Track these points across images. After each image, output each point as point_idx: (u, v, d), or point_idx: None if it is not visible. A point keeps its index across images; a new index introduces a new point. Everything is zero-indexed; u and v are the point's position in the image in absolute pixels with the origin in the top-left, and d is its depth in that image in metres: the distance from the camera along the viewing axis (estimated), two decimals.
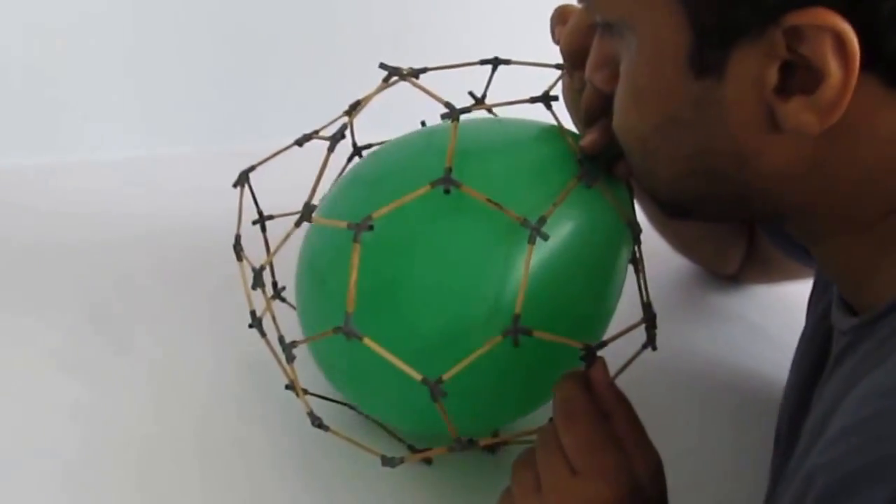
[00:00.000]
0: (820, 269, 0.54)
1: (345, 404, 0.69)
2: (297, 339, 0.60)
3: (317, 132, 0.65)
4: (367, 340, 0.56)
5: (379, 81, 0.65)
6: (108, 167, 0.98)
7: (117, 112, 1.03)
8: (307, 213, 0.59)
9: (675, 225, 0.82)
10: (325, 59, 1.07)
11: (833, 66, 0.40)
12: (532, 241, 0.55)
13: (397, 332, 0.57)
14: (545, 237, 0.55)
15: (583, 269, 0.58)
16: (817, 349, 0.59)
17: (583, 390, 0.55)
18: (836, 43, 0.40)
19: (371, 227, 0.56)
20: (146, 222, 0.91)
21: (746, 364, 0.81)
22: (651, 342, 0.63)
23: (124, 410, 0.71)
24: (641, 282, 0.62)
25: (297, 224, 0.59)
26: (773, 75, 0.42)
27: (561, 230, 0.57)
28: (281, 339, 0.61)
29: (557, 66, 0.62)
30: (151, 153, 1.01)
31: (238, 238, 0.67)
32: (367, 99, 0.62)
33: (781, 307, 0.85)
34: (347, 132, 0.63)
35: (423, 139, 0.61)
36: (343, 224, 0.56)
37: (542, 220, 0.55)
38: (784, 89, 0.43)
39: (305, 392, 0.66)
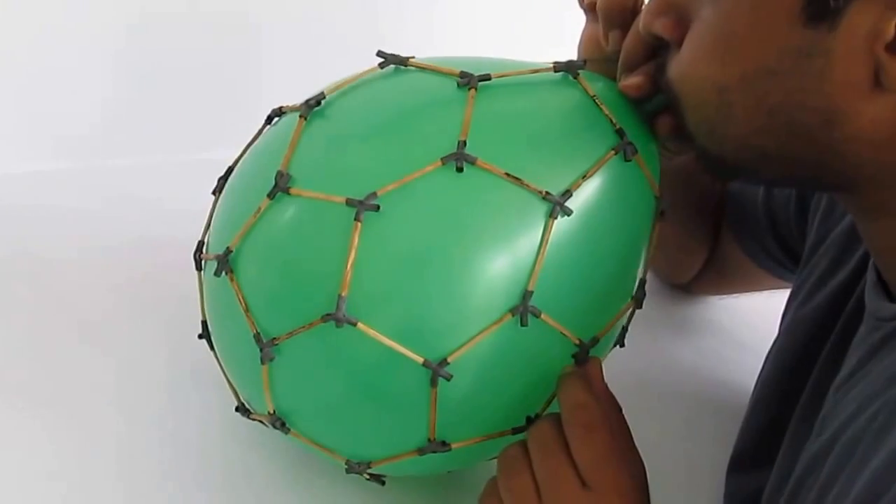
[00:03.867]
0: (868, 245, 0.53)
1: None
2: (278, 336, 0.53)
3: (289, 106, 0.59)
4: (360, 325, 0.51)
5: None
6: (73, 175, 0.93)
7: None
8: (283, 183, 0.53)
9: None
10: (300, 63, 1.03)
11: None
12: (554, 216, 0.51)
13: (391, 318, 0.51)
14: (568, 212, 0.51)
15: (610, 248, 0.55)
16: (809, 336, 0.59)
17: (592, 396, 0.52)
18: None
19: (378, 208, 0.50)
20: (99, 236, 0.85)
21: (723, 373, 0.80)
22: (620, 339, 0.60)
23: (74, 435, 0.66)
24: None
25: (272, 196, 0.53)
26: (890, 30, 0.41)
27: (588, 205, 0.53)
28: (257, 337, 0.54)
29: (556, 69, 0.57)
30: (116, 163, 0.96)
31: (200, 245, 0.61)
32: (353, 77, 0.57)
33: (756, 316, 0.84)
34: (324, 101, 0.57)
35: (415, 90, 0.56)
36: (340, 199, 0.51)
37: (567, 194, 0.52)
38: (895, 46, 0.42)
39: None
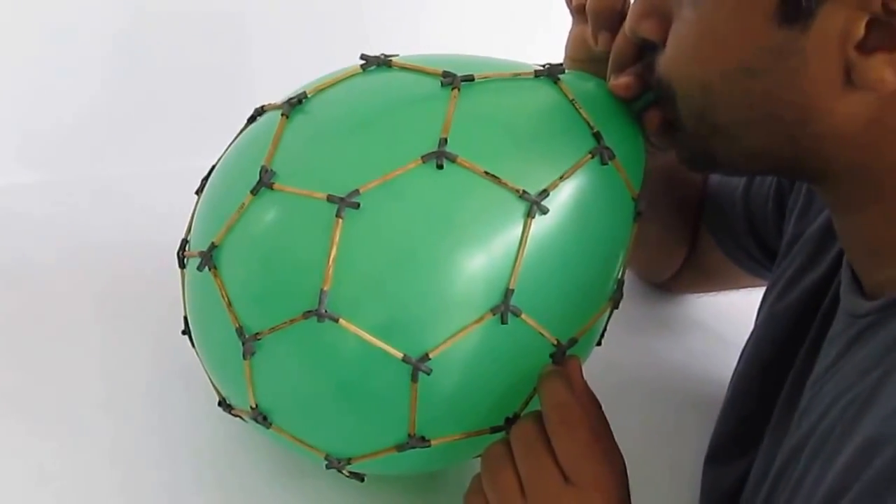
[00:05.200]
0: (842, 240, 0.55)
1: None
2: (261, 331, 0.54)
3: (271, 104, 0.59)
4: (342, 321, 0.51)
5: None
6: (53, 183, 0.93)
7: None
8: (266, 178, 0.54)
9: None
10: (287, 73, 1.03)
11: None
12: (531, 215, 0.52)
13: (373, 314, 0.52)
14: (544, 210, 0.52)
15: (583, 251, 0.55)
16: (786, 332, 0.61)
17: (572, 394, 0.54)
18: None
19: (358, 205, 0.51)
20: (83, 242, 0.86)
21: (704, 368, 0.82)
22: (598, 339, 0.61)
23: (63, 437, 0.67)
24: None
25: (255, 192, 0.54)
26: (859, 29, 0.43)
27: (566, 206, 0.54)
28: (240, 331, 0.54)
29: (536, 74, 0.58)
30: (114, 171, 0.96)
31: (184, 243, 0.61)
32: (334, 77, 0.58)
33: (736, 312, 0.85)
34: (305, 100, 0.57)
35: (398, 89, 0.57)
36: (322, 196, 0.52)
37: (544, 193, 0.52)
38: (865, 45, 0.43)
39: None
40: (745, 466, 0.61)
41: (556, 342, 0.55)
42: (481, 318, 0.52)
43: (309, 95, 0.57)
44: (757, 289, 0.74)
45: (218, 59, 1.02)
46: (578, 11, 0.65)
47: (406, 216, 0.52)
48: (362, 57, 0.58)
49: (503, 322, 0.52)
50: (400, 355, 0.52)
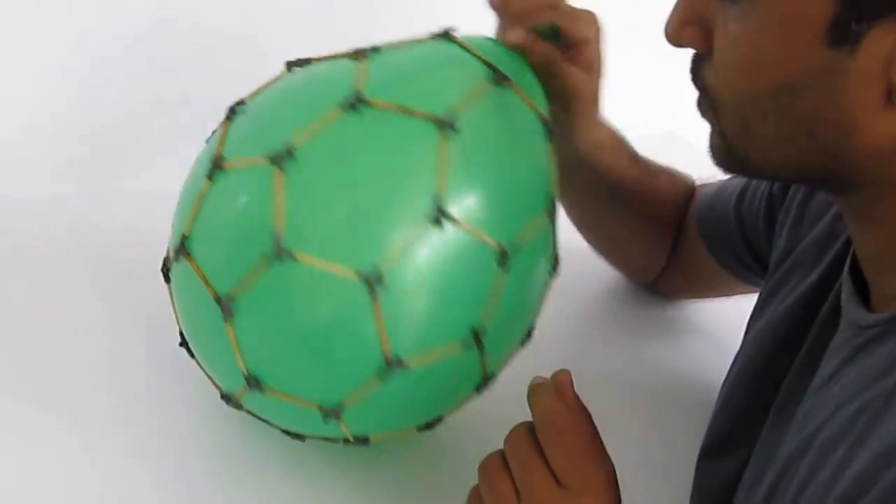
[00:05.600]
0: (858, 250, 0.57)
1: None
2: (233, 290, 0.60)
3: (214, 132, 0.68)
4: (298, 255, 0.58)
5: None
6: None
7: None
8: (218, 162, 0.62)
9: (600, 224, 0.87)
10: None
11: None
12: (444, 133, 0.60)
13: (323, 245, 0.58)
14: (456, 129, 0.60)
15: (503, 161, 0.63)
16: (782, 339, 0.64)
17: (562, 402, 0.58)
18: None
19: (292, 154, 0.59)
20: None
21: (701, 375, 0.85)
22: (555, 263, 0.68)
23: (48, 438, 0.70)
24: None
25: (210, 176, 0.62)
26: None
27: (475, 123, 0.61)
28: (217, 299, 0.60)
29: (433, 36, 0.67)
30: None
31: (166, 260, 0.68)
32: (265, 84, 0.67)
33: (732, 318, 0.85)
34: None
35: (317, 71, 0.65)
36: (261, 159, 0.60)
37: (452, 115, 0.60)
38: None
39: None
40: (739, 463, 0.64)
41: (497, 247, 0.61)
42: (421, 228, 0.58)
43: (246, 101, 0.66)
44: (751, 295, 0.77)
45: (231, 76, 0.96)
46: (496, 9, 0.74)
47: (337, 156, 0.60)
48: (286, 63, 0.68)
49: (439, 225, 0.59)
50: (354, 275, 0.58)
